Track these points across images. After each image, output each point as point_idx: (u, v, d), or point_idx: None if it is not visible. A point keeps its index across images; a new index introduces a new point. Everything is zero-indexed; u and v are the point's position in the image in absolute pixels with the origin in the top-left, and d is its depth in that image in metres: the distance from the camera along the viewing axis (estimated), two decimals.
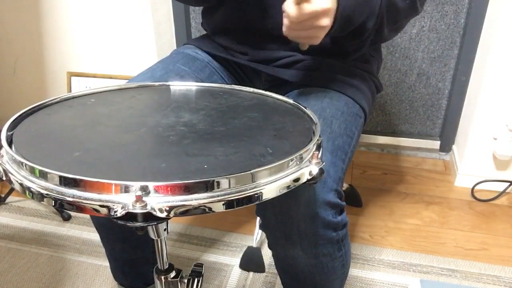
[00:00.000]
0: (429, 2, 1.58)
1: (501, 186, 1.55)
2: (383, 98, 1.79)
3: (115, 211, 0.45)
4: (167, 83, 0.79)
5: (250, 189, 0.48)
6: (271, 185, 0.49)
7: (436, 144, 1.81)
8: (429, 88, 1.74)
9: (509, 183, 1.54)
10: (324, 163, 0.54)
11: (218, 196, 0.47)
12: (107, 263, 1.07)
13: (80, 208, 0.46)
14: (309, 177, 0.53)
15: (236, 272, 1.22)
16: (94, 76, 1.79)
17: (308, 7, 0.65)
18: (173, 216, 0.46)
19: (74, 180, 0.46)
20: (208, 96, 0.74)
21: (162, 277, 0.67)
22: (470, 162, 1.58)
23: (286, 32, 0.71)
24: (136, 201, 0.44)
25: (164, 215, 0.45)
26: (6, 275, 1.21)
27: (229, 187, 0.47)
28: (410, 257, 1.27)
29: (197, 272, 0.70)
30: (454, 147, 1.75)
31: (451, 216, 1.45)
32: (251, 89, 0.76)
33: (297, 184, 0.52)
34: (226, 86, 0.79)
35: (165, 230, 0.60)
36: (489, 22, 1.48)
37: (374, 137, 1.86)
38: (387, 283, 1.18)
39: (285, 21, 0.69)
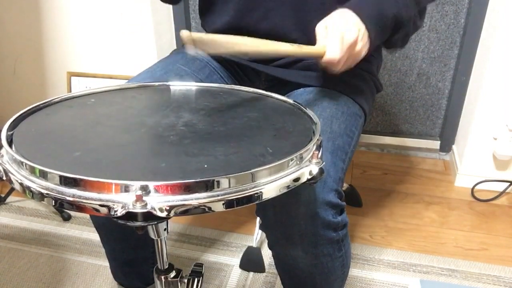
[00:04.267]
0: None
1: (501, 186, 1.55)
2: (383, 98, 1.79)
3: (115, 211, 0.45)
4: (167, 83, 0.79)
5: (250, 189, 0.48)
6: (271, 184, 0.49)
7: (436, 144, 1.81)
8: (429, 88, 1.74)
9: (509, 183, 1.54)
10: (324, 163, 0.54)
11: (218, 195, 0.47)
12: (107, 263, 1.07)
13: (80, 208, 0.46)
14: (309, 177, 0.53)
15: (236, 272, 1.22)
16: (94, 76, 1.79)
17: (344, 41, 0.68)
18: (173, 216, 0.46)
19: (74, 179, 0.46)
20: (208, 96, 0.74)
21: (162, 277, 0.67)
22: (470, 162, 1.58)
23: (339, 69, 0.72)
24: (136, 200, 0.44)
25: (164, 214, 0.45)
26: (6, 275, 1.21)
27: (229, 187, 0.47)
28: (410, 257, 1.27)
29: (197, 272, 0.70)
30: (454, 147, 1.75)
31: (451, 216, 1.45)
32: (251, 89, 0.76)
33: (297, 184, 0.52)
34: (226, 86, 0.79)
35: (165, 230, 0.60)
36: (489, 22, 1.48)
37: (374, 137, 1.87)
38: (387, 283, 1.18)
39: (336, 66, 0.70)
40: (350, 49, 0.69)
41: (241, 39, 0.65)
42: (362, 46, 0.71)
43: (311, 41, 0.88)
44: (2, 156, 0.53)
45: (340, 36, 0.68)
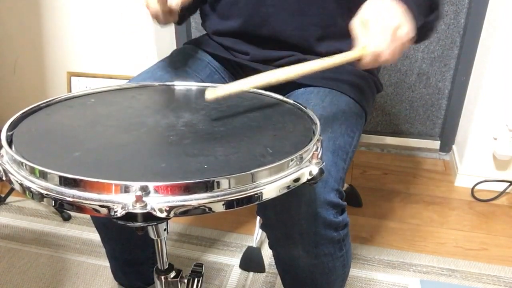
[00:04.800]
0: None
1: (501, 186, 1.55)
2: (383, 98, 1.79)
3: (115, 211, 0.45)
4: (167, 83, 0.79)
5: (250, 189, 0.48)
6: (271, 185, 0.49)
7: (436, 144, 1.81)
8: (429, 88, 1.73)
9: (509, 183, 1.54)
10: (324, 163, 0.54)
11: (218, 196, 0.47)
12: (107, 263, 1.07)
13: (80, 208, 0.46)
14: (309, 177, 0.53)
15: (236, 272, 1.22)
16: (94, 76, 1.79)
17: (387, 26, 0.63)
18: (173, 216, 0.46)
19: (74, 180, 0.46)
20: None
21: (162, 277, 0.67)
22: (470, 162, 1.58)
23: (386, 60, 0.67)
24: (136, 201, 0.44)
25: (164, 215, 0.45)
26: (6, 275, 1.21)
27: (229, 187, 0.47)
28: (410, 257, 1.27)
29: (197, 272, 0.70)
30: (454, 147, 1.75)
31: (451, 216, 1.45)
32: (251, 89, 0.76)
33: (297, 184, 0.52)
34: None
35: (165, 230, 0.60)
36: (489, 22, 1.48)
37: (374, 137, 1.86)
38: (387, 283, 1.18)
39: (381, 58, 0.65)
40: (394, 35, 0.63)
41: (271, 74, 0.63)
42: (407, 29, 0.65)
43: (311, 46, 0.89)
44: (2, 156, 0.53)
45: (381, 26, 0.63)
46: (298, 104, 0.69)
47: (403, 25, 0.64)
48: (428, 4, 0.76)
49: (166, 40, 1.76)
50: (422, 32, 0.80)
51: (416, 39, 0.79)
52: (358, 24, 0.66)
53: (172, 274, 0.68)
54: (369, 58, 0.64)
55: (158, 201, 0.45)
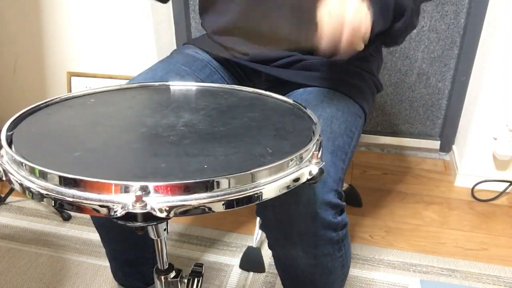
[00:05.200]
0: (429, 2, 1.58)
1: (501, 186, 1.55)
2: (383, 98, 1.79)
3: (115, 211, 0.45)
4: (167, 83, 0.79)
5: (250, 189, 0.48)
6: (271, 185, 0.49)
7: (436, 144, 1.81)
8: (429, 88, 1.74)
9: (509, 183, 1.54)
10: (324, 163, 0.54)
11: (218, 196, 0.47)
12: (107, 263, 1.07)
13: (80, 208, 0.46)
14: (309, 177, 0.53)
15: (236, 272, 1.22)
16: (94, 76, 1.79)
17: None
18: (173, 216, 0.46)
19: (74, 180, 0.46)
20: (208, 96, 0.74)
21: (162, 277, 0.67)
22: (470, 162, 1.58)
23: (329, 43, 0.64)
24: (136, 201, 0.44)
25: (164, 215, 0.45)
26: (6, 275, 1.21)
27: (229, 187, 0.47)
28: (410, 257, 1.27)
29: (197, 272, 0.70)
30: (454, 147, 1.75)
31: (451, 216, 1.45)
32: (251, 89, 0.76)
33: (297, 184, 0.52)
34: (226, 86, 0.79)
35: (165, 230, 0.60)
36: (489, 22, 1.48)
37: (374, 137, 1.86)
38: (387, 283, 1.18)
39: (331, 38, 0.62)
40: (340, 16, 0.61)
41: None
42: (361, 15, 0.62)
43: (311, 43, 0.88)
44: (2, 156, 0.53)
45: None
46: (298, 104, 0.69)
47: (353, 8, 0.62)
48: (394, 9, 0.73)
49: (166, 40, 1.76)
50: (390, 36, 0.80)
51: (386, 45, 0.77)
52: (326, 14, 0.63)
53: (172, 274, 0.68)
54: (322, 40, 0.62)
55: (158, 201, 0.45)
